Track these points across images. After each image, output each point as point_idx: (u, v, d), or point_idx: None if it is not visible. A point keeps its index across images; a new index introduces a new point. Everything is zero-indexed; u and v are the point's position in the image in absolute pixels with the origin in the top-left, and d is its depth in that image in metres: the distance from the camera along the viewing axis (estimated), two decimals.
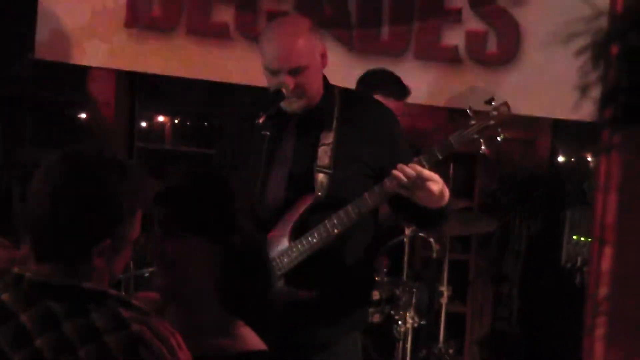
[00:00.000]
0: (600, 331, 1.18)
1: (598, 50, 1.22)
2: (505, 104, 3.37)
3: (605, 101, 1.19)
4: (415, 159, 3.25)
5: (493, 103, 3.36)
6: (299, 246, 3.32)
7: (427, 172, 3.18)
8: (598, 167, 1.44)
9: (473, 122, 3.31)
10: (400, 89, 4.75)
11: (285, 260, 3.31)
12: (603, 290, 1.21)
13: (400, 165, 3.16)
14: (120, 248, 2.39)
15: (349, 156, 3.39)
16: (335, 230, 3.27)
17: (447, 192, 3.30)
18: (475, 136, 3.30)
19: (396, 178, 3.18)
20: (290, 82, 3.27)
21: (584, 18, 1.26)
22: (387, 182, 3.21)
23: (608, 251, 1.25)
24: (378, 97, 4.46)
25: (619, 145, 1.18)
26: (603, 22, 1.25)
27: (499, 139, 3.39)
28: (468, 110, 3.36)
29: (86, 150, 2.41)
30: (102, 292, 2.35)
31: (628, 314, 1.11)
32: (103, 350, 2.23)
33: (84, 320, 2.28)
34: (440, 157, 3.28)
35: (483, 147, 3.34)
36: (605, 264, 1.25)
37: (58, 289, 2.32)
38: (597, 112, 1.21)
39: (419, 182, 3.13)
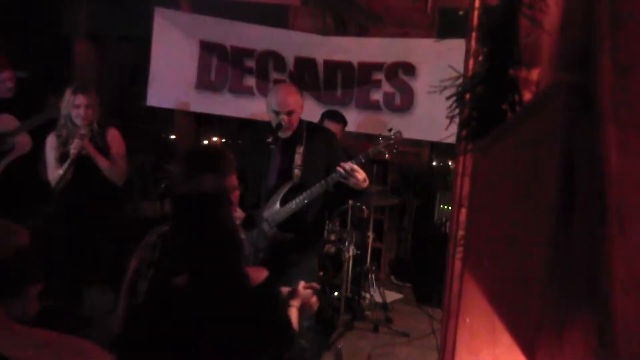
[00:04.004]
0: (459, 255, 1.17)
1: (459, 96, 1.19)
2: (399, 131, 3.49)
3: (463, 125, 1.17)
4: (350, 161, 3.32)
5: (392, 130, 3.48)
6: (286, 209, 3.38)
7: (355, 166, 3.28)
8: (457, 164, 1.42)
9: (382, 141, 3.43)
10: (341, 118, 4.80)
11: (277, 217, 3.40)
12: (460, 232, 1.20)
13: (341, 164, 3.30)
14: None
15: (311, 159, 3.46)
16: (306, 201, 3.37)
17: (367, 181, 3.37)
18: (383, 149, 3.41)
19: (339, 171, 3.29)
20: (286, 119, 3.30)
21: (451, 78, 1.23)
22: (334, 174, 3.29)
23: (463, 210, 1.24)
24: (329, 121, 4.62)
25: (470, 150, 1.17)
26: (462, 80, 1.23)
27: (395, 151, 3.51)
28: (379, 136, 3.49)
29: None
30: None
31: (476, 245, 1.09)
32: None
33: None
34: (363, 161, 3.36)
35: (387, 155, 3.53)
36: (462, 217, 1.24)
37: None
38: (458, 131, 1.19)
39: (351, 172, 3.23)
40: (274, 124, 3.39)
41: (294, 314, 2.27)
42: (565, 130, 0.95)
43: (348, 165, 3.28)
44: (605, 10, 0.90)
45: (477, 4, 1.22)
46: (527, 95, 1.23)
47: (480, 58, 1.18)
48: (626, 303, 0.73)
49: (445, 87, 1.21)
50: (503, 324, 0.93)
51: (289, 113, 3.36)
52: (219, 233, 1.92)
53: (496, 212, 1.01)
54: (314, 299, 2.41)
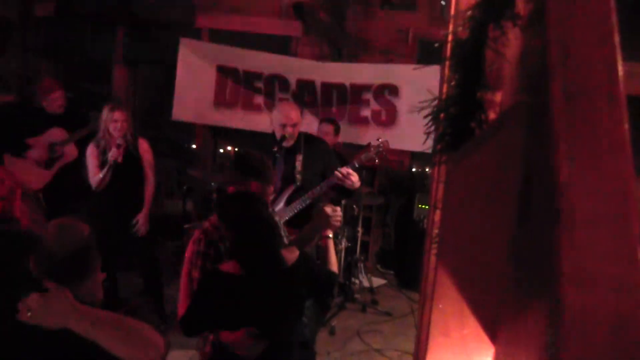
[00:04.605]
0: (434, 251, 1.16)
1: (435, 116, 1.19)
2: (386, 140, 3.47)
3: (438, 140, 1.16)
4: (346, 166, 3.31)
5: (380, 140, 3.46)
6: (291, 210, 3.35)
7: (350, 170, 3.28)
8: (433, 172, 1.42)
9: (372, 149, 3.41)
10: (333, 121, 4.85)
11: (283, 215, 3.33)
12: (435, 231, 1.19)
13: (339, 169, 3.27)
14: None
15: (309, 165, 3.45)
16: (308, 201, 3.32)
17: (359, 182, 3.37)
18: (373, 156, 3.39)
19: (336, 175, 3.26)
20: (290, 130, 3.28)
21: (428, 100, 1.22)
22: (333, 177, 3.27)
23: (438, 212, 1.23)
24: (325, 123, 4.80)
25: (444, 161, 1.16)
26: (437, 102, 1.22)
27: (383, 156, 3.48)
28: (370, 144, 3.48)
29: None
30: None
31: (448, 242, 1.09)
32: None
33: None
34: (357, 166, 3.35)
35: (376, 160, 3.47)
36: (437, 218, 1.23)
37: None
38: (434, 145, 1.18)
39: (347, 176, 3.20)
40: (278, 135, 3.39)
41: (331, 245, 2.29)
42: (523, 145, 0.94)
43: (344, 170, 3.28)
44: (556, 45, 0.90)
45: (450, 37, 1.22)
46: (492, 115, 1.23)
47: (453, 83, 1.17)
48: (572, 293, 0.72)
49: (423, 108, 1.20)
50: (470, 309, 0.93)
51: (294, 125, 3.37)
52: (263, 228, 1.98)
53: (466, 214, 1.01)
54: (329, 210, 2.37)
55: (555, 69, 0.89)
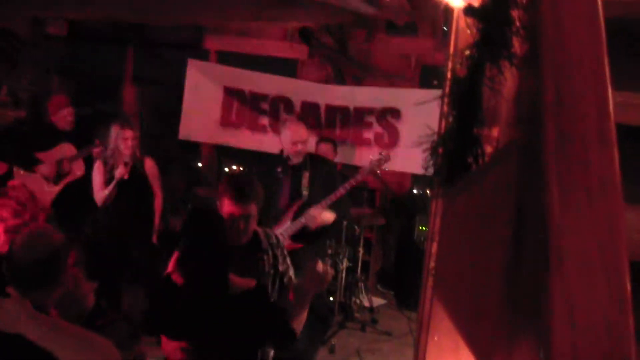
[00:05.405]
0: (430, 283, 1.17)
1: (433, 150, 1.21)
2: (388, 154, 3.59)
3: (436, 174, 1.18)
4: (351, 179, 3.45)
5: (382, 153, 3.50)
6: (297, 224, 3.43)
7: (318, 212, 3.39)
8: (431, 205, 1.43)
9: (374, 161, 3.49)
10: (331, 140, 4.94)
11: (289, 230, 3.35)
12: (432, 264, 1.20)
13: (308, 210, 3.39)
14: None
15: (314, 182, 3.49)
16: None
17: (332, 217, 3.49)
18: (375, 168, 3.59)
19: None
20: (301, 147, 3.41)
21: (426, 135, 1.25)
22: (337, 193, 3.33)
23: (435, 245, 1.24)
24: (323, 143, 4.89)
25: (443, 193, 1.18)
26: (435, 137, 1.25)
27: (385, 169, 3.69)
28: (371, 159, 3.55)
29: None
30: None
31: (444, 275, 1.10)
32: None
33: None
34: (360, 179, 3.52)
35: (378, 171, 3.64)
36: (433, 250, 1.24)
37: None
38: (431, 179, 1.20)
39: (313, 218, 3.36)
40: (285, 153, 3.45)
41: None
42: (516, 183, 0.96)
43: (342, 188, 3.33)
44: (550, 89, 0.92)
45: (448, 75, 1.25)
46: (489, 149, 1.25)
47: (451, 119, 1.20)
48: (563, 331, 0.74)
49: (422, 142, 1.23)
50: (464, 342, 0.94)
51: (304, 142, 3.44)
52: (211, 250, 1.96)
53: (460, 249, 1.02)
54: (320, 268, 2.15)
55: (549, 111, 0.91)
